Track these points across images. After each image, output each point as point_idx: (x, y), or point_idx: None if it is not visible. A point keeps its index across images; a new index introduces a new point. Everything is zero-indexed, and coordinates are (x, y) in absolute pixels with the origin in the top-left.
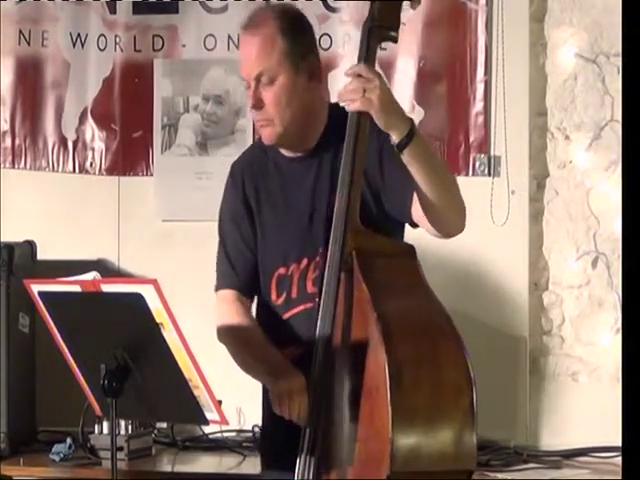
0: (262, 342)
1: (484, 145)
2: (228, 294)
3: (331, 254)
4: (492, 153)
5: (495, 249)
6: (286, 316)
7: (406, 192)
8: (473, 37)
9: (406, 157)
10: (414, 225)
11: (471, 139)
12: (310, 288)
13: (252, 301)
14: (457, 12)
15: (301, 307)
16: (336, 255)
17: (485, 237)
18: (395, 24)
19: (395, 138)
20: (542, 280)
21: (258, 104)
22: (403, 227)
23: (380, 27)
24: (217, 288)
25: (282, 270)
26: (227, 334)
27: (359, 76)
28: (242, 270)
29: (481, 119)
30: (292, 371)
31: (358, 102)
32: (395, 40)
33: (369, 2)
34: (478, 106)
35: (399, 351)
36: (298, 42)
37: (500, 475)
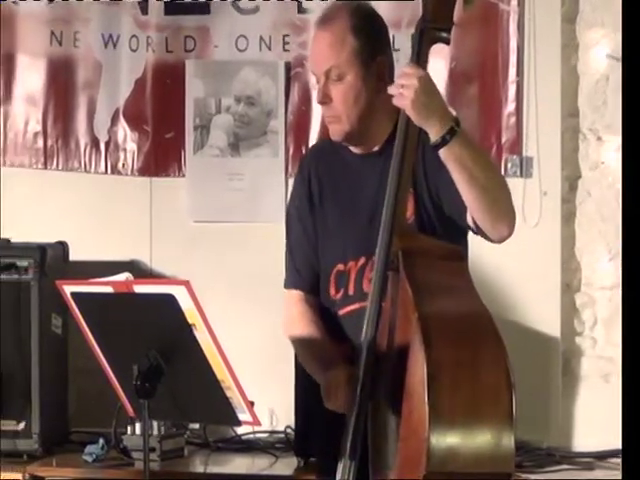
0: (320, 340)
1: (516, 146)
2: (293, 295)
3: (378, 254)
4: (524, 154)
5: (527, 250)
6: (343, 312)
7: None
8: (505, 38)
9: (442, 156)
10: (474, 230)
11: (503, 140)
12: (366, 287)
13: (318, 297)
14: (489, 13)
15: (357, 305)
16: (382, 255)
17: (517, 238)
18: (448, 25)
19: (431, 137)
20: (574, 281)
21: (325, 99)
22: (465, 234)
23: (432, 29)
24: (285, 285)
25: (340, 266)
26: (291, 333)
27: (400, 75)
28: (305, 269)
29: (513, 120)
30: (340, 364)
31: (396, 98)
32: (447, 42)
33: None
34: (510, 107)
35: (438, 352)
36: (370, 42)
37: (533, 476)
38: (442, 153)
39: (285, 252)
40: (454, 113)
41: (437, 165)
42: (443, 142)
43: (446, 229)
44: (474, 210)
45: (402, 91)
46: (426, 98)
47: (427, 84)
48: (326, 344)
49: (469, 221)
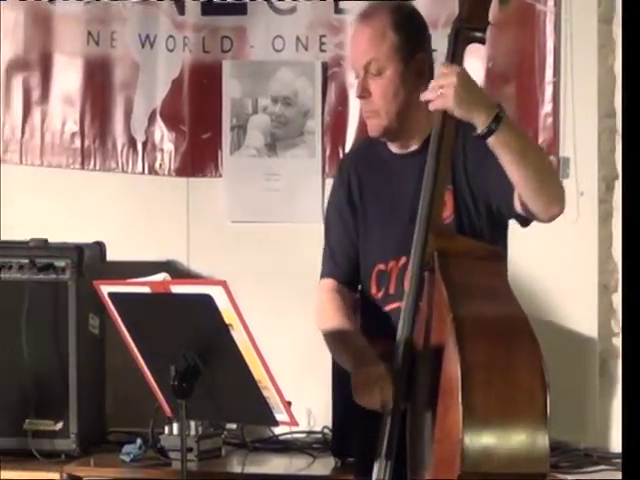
0: (352, 331)
1: (553, 146)
2: (327, 283)
3: (413, 254)
4: (561, 155)
5: (564, 251)
6: (384, 310)
7: (508, 184)
8: (541, 38)
9: (491, 144)
10: (521, 222)
11: (540, 141)
12: (407, 286)
13: (354, 291)
14: (526, 14)
15: (397, 304)
16: (418, 255)
17: (554, 239)
18: (483, 25)
19: (478, 128)
20: (611, 282)
21: (364, 93)
22: (506, 232)
23: (468, 28)
24: (320, 276)
25: (381, 266)
26: (321, 321)
27: (438, 76)
28: (342, 261)
29: (550, 121)
30: (373, 361)
31: (436, 101)
32: (483, 41)
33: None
34: (547, 108)
35: (472, 353)
36: (410, 39)
37: (570, 477)
38: (490, 141)
39: (323, 249)
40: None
41: (478, 161)
42: (490, 131)
43: (488, 227)
44: (526, 192)
45: (442, 91)
46: (467, 93)
47: (465, 79)
48: (357, 337)
49: (517, 207)
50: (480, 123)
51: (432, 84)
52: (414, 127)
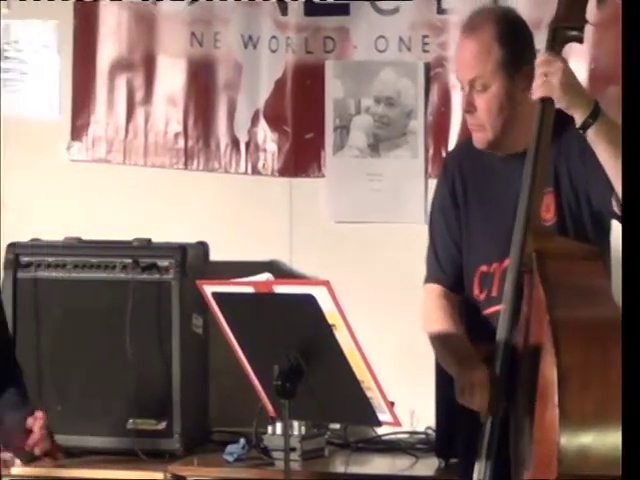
0: (457, 336)
1: None
2: (433, 288)
3: (512, 256)
4: None
5: None
6: (486, 313)
7: (607, 185)
8: None
9: (590, 137)
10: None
11: None
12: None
13: (459, 295)
14: None
15: (498, 307)
16: (516, 257)
17: None
18: (580, 24)
19: (578, 119)
20: None
21: (470, 108)
22: (607, 233)
23: (564, 28)
24: (425, 281)
25: (484, 268)
26: (427, 326)
27: (541, 64)
28: (448, 265)
29: None
30: (477, 364)
31: (541, 87)
32: (581, 40)
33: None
34: None
35: (569, 356)
36: (515, 52)
37: None
38: (590, 134)
39: (427, 250)
40: None
41: (580, 160)
42: (589, 123)
43: (592, 228)
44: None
45: (547, 78)
46: (572, 80)
47: (568, 67)
48: (463, 341)
49: (614, 206)
50: (580, 113)
51: (536, 72)
52: (519, 136)
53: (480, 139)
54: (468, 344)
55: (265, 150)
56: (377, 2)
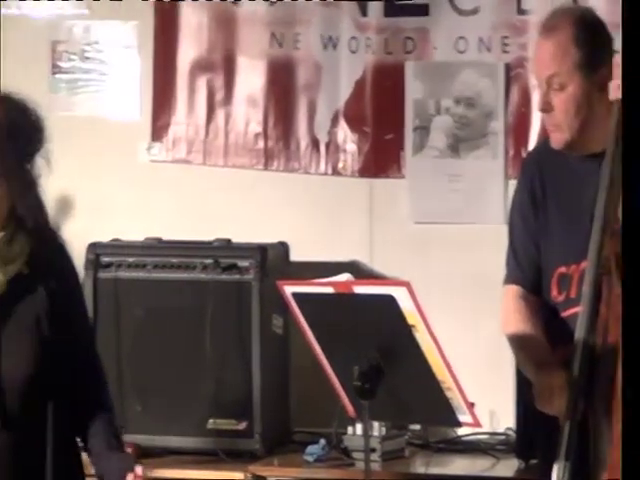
0: (535, 338)
1: None
2: (513, 289)
3: (590, 257)
4: None
5: None
6: (565, 314)
7: None
8: None
9: None
10: None
11: None
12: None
13: (538, 296)
14: None
15: (578, 308)
16: (594, 258)
17: None
18: None
19: None
20: None
21: (546, 107)
22: None
23: None
24: (504, 281)
25: (563, 269)
26: (506, 328)
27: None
28: (527, 266)
29: None
30: (555, 368)
31: (619, 88)
32: None
33: None
34: None
35: None
36: (593, 53)
37: None
38: None
39: (507, 250)
40: None
41: None
42: None
43: None
44: None
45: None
46: None
47: None
48: (542, 344)
49: None
50: None
51: (615, 72)
52: (597, 137)
53: (557, 140)
54: (546, 347)
55: (345, 151)
56: (457, 3)
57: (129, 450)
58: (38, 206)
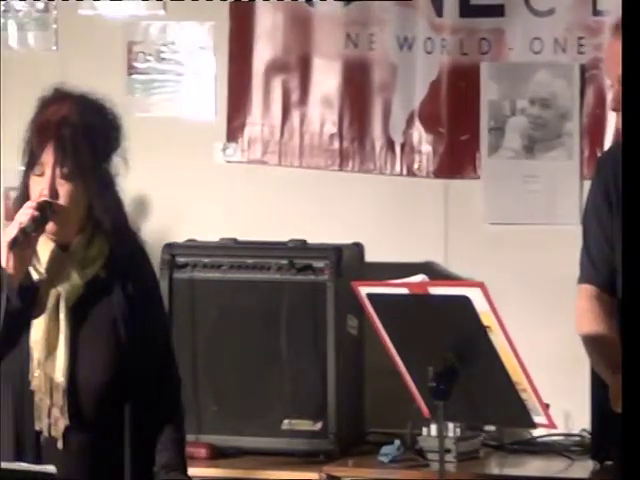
0: (609, 339)
1: None
2: (586, 289)
3: None
4: None
5: None
6: None
7: None
8: None
9: None
10: None
11: None
12: None
13: (613, 296)
14: None
15: None
16: None
17: None
18: None
19: None
20: None
21: (618, 107)
22: None
23: None
24: (578, 281)
25: None
26: (580, 328)
27: None
28: (601, 265)
29: None
30: None
31: None
32: None
33: None
34: None
35: None
36: None
37: None
38: None
39: (581, 250)
40: None
41: None
42: None
43: None
44: None
45: None
46: None
47: None
48: (615, 345)
49: None
50: None
51: None
52: None
53: None
54: (620, 348)
55: (420, 151)
56: (532, 3)
57: (202, 451)
58: (116, 206)
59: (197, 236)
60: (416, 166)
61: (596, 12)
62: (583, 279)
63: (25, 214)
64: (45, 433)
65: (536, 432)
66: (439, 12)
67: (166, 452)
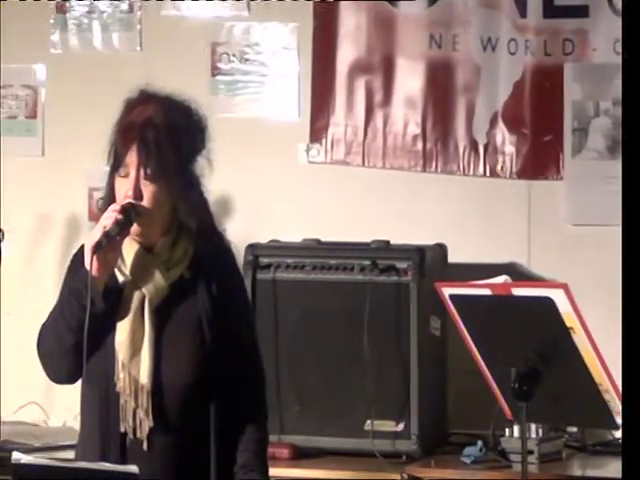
0: None
1: None
2: None
3: None
4: None
5: None
6: None
7: None
8: None
9: None
10: None
11: None
12: None
13: None
14: None
15: None
16: None
17: None
18: None
19: None
20: None
21: None
22: None
23: None
24: None
25: None
26: None
27: None
28: None
29: None
30: None
31: None
32: None
33: None
34: None
35: None
36: None
37: None
38: None
39: None
40: None
41: None
42: None
43: None
44: None
45: None
46: None
47: None
48: None
49: None
50: None
51: None
52: None
53: None
54: None
55: (503, 152)
56: (616, 4)
57: (285, 452)
58: (202, 207)
59: (280, 237)
60: (499, 167)
61: None
62: None
63: (109, 217)
64: (130, 435)
65: (619, 433)
66: (523, 13)
67: (246, 452)
